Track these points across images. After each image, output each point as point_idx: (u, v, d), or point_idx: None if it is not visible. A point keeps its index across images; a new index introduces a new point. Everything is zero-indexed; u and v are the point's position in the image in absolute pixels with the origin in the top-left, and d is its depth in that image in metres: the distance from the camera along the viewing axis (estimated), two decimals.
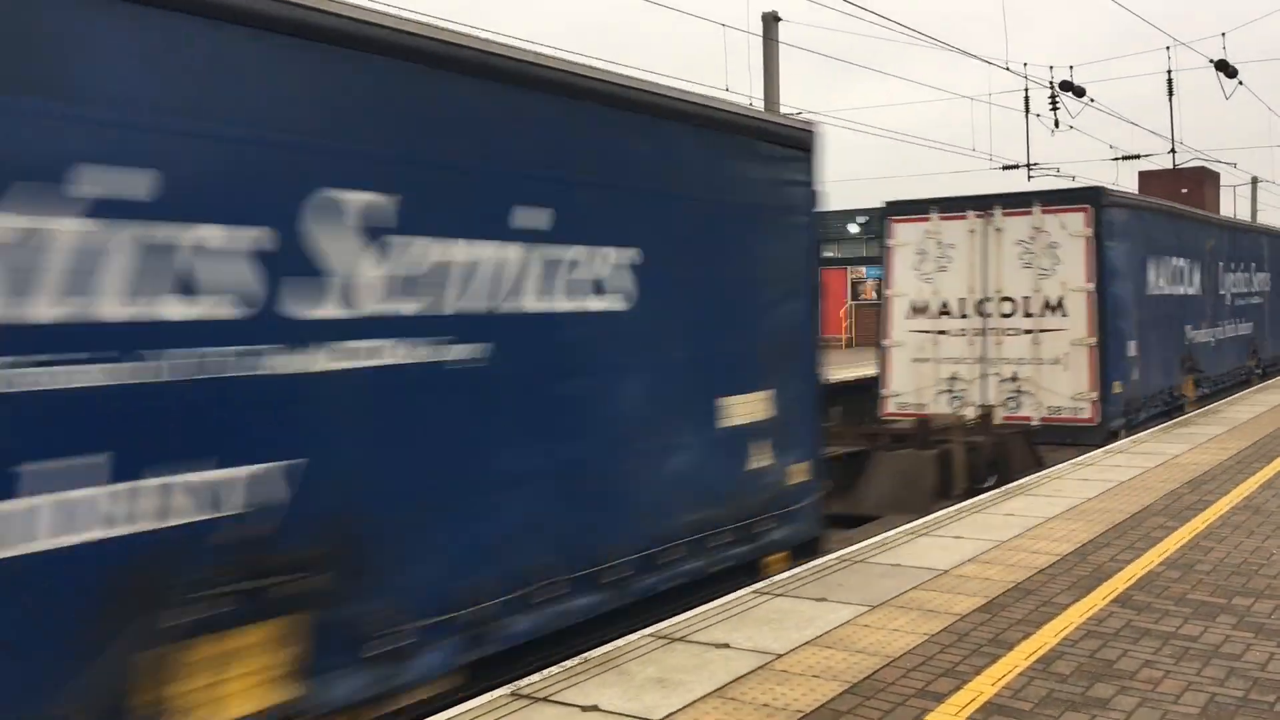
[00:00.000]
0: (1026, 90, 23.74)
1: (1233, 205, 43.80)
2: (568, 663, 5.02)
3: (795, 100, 44.28)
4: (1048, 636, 5.28)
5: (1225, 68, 23.46)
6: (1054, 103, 23.19)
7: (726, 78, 54.32)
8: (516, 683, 4.78)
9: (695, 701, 4.52)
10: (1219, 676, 4.69)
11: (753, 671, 4.87)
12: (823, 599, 6.03)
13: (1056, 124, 23.70)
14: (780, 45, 21.35)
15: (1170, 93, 25.16)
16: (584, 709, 4.46)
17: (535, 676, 4.85)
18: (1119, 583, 6.24)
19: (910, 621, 5.58)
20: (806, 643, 5.26)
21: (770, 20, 21.61)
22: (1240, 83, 23.89)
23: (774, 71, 22.88)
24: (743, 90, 33.13)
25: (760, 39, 21.69)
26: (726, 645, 5.24)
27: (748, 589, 6.33)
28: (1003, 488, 9.66)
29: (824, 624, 5.57)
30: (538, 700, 4.56)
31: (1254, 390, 18.30)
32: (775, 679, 4.77)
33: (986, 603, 5.90)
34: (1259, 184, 49.47)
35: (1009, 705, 4.41)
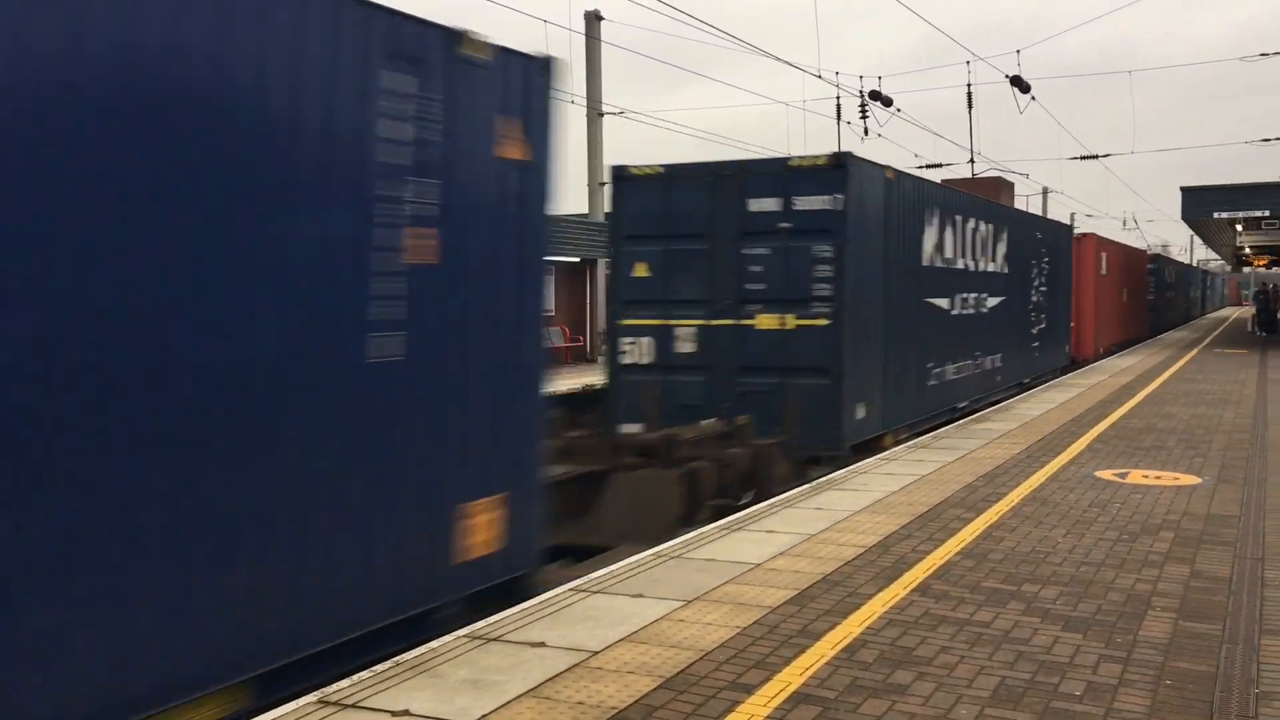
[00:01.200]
0: (839, 98, 24.63)
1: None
2: (378, 667, 4.89)
3: (623, 100, 44.74)
4: (853, 626, 5.47)
5: (1020, 83, 24.87)
6: (864, 111, 24.11)
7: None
8: (323, 690, 4.63)
9: (510, 702, 4.48)
10: (1009, 660, 4.95)
11: (568, 670, 4.86)
12: (639, 595, 6.08)
13: (866, 131, 24.66)
14: (606, 45, 21.44)
15: (970, 105, 26.52)
16: (394, 714, 4.35)
17: (344, 682, 4.70)
18: (919, 572, 6.52)
19: (723, 615, 5.68)
20: (622, 639, 5.29)
21: (592, 19, 21.67)
22: (1033, 98, 25.36)
23: (596, 69, 22.98)
24: (563, 88, 33.14)
25: (583, 37, 21.73)
26: (542, 644, 5.22)
27: (565, 586, 6.32)
28: (812, 482, 9.95)
29: (640, 620, 5.61)
30: (346, 707, 4.43)
31: (1044, 389, 19.45)
32: (590, 676, 4.77)
33: (796, 594, 6.06)
34: (1049, 194, 52.93)
35: (815, 694, 4.54)
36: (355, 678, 4.77)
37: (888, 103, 24.77)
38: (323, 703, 4.47)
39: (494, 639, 5.30)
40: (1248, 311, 72.53)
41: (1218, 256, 73.74)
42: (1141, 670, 4.79)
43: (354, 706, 4.43)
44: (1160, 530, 7.60)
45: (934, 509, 8.47)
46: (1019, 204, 38.25)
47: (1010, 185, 37.24)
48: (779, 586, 6.24)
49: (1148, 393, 17.92)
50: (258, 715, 4.43)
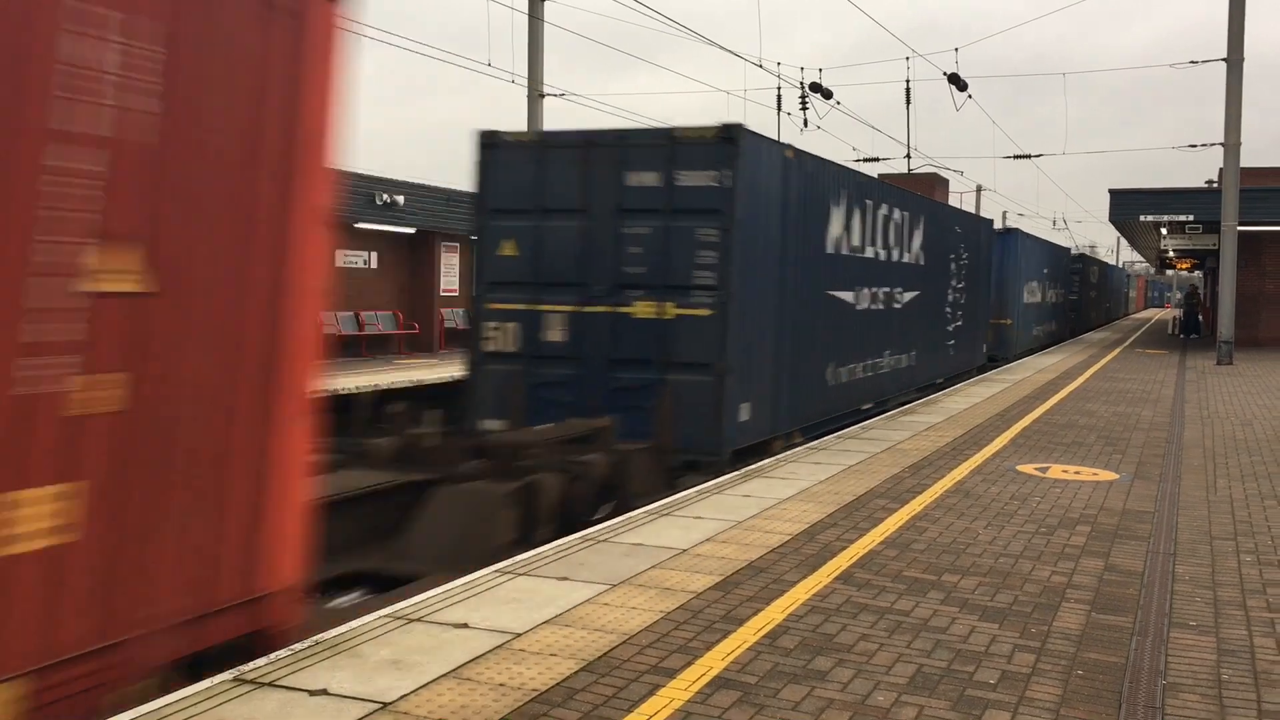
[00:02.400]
0: (779, 89, 24.72)
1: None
2: (296, 645, 4.83)
3: (566, 82, 44.52)
4: (776, 613, 5.51)
5: (957, 81, 25.17)
6: (804, 103, 24.22)
7: (490, 53, 53.73)
8: (240, 667, 4.56)
9: (430, 683, 4.44)
10: (926, 648, 5.02)
11: (491, 651, 4.84)
12: (565, 578, 6.07)
13: (805, 123, 24.77)
14: (551, 26, 21.27)
15: (908, 101, 26.78)
16: (312, 693, 4.30)
17: (260, 660, 4.64)
18: (843, 561, 6.59)
19: (648, 600, 5.70)
20: (546, 622, 5.28)
21: None
22: (970, 96, 25.68)
23: (538, 50, 22.81)
24: (505, 67, 32.71)
25: (526, 16, 21.54)
26: (465, 625, 5.19)
27: (489, 569, 6.29)
28: (740, 470, 10.00)
29: (564, 603, 5.60)
30: (263, 685, 4.36)
31: (970, 384, 19.77)
32: (513, 658, 4.75)
33: (721, 580, 6.10)
34: (982, 191, 53.67)
35: (736, 679, 4.57)
36: (273, 655, 4.70)
37: (828, 95, 24.93)
38: (239, 680, 4.40)
39: (417, 619, 5.26)
40: (1169, 314, 74.46)
41: (1143, 259, 75.51)
42: (1054, 660, 4.89)
43: (270, 685, 4.37)
44: (1077, 524, 7.77)
45: (860, 499, 8.57)
46: (954, 201, 38.81)
47: (945, 182, 37.74)
48: (705, 572, 6.27)
49: (1071, 390, 18.30)
50: (169, 694, 4.35)
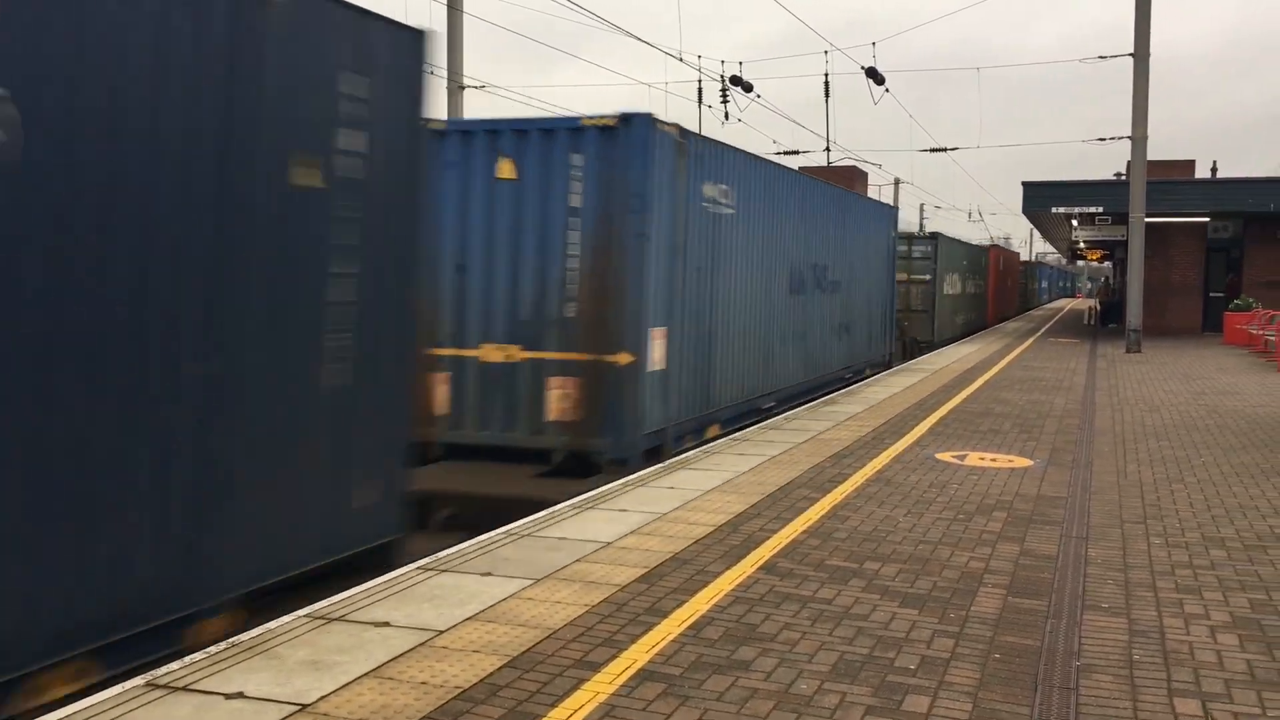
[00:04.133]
0: (700, 82, 24.78)
1: None
2: (212, 648, 4.72)
3: (493, 77, 44.11)
4: (700, 604, 5.53)
5: (874, 74, 25.48)
6: (724, 96, 24.33)
7: None
8: (153, 671, 4.44)
9: (350, 683, 4.37)
10: (849, 636, 5.07)
11: (413, 649, 4.77)
12: (488, 574, 6.02)
13: (727, 116, 24.89)
14: (476, 20, 21.06)
15: (827, 94, 27.05)
16: (228, 696, 4.20)
17: (175, 664, 4.52)
18: (766, 551, 6.63)
19: (573, 594, 5.67)
20: (469, 618, 5.23)
21: None
22: (887, 90, 26.01)
23: (458, 40, 22.57)
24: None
25: (444, 7, 21.31)
26: (387, 624, 5.11)
27: (412, 565, 6.21)
28: (664, 462, 10.00)
29: (488, 599, 5.55)
30: (177, 690, 4.25)
31: (890, 373, 20.05)
32: (435, 656, 4.70)
33: (646, 573, 6.10)
34: (900, 184, 54.44)
35: (660, 671, 4.57)
36: (188, 659, 4.59)
37: (748, 88, 25.07)
38: (151, 685, 4.28)
39: (336, 619, 5.17)
40: (1081, 304, 76.24)
41: (1055, 250, 77.33)
42: (973, 645, 4.97)
43: (185, 689, 4.26)
44: (994, 510, 7.92)
45: (783, 489, 8.63)
46: (872, 193, 39.34)
47: (865, 175, 38.24)
48: (629, 565, 6.26)
49: (987, 378, 18.66)
50: (79, 700, 4.22)
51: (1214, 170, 44.81)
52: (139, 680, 4.36)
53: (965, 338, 32.99)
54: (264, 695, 4.22)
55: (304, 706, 4.13)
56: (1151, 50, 24.14)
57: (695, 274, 12.12)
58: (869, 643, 4.98)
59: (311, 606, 5.38)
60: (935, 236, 31.84)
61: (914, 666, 4.68)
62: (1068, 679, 4.55)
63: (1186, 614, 5.48)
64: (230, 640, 4.84)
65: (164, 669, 4.47)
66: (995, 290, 45.81)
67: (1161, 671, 4.66)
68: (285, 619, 5.17)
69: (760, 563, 6.36)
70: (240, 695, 4.22)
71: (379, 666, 4.56)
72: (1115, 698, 4.35)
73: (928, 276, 30.50)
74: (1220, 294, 33.46)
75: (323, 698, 4.21)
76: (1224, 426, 12.72)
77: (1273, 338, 22.96)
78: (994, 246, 51.08)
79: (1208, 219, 32.35)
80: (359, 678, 4.43)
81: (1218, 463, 10.15)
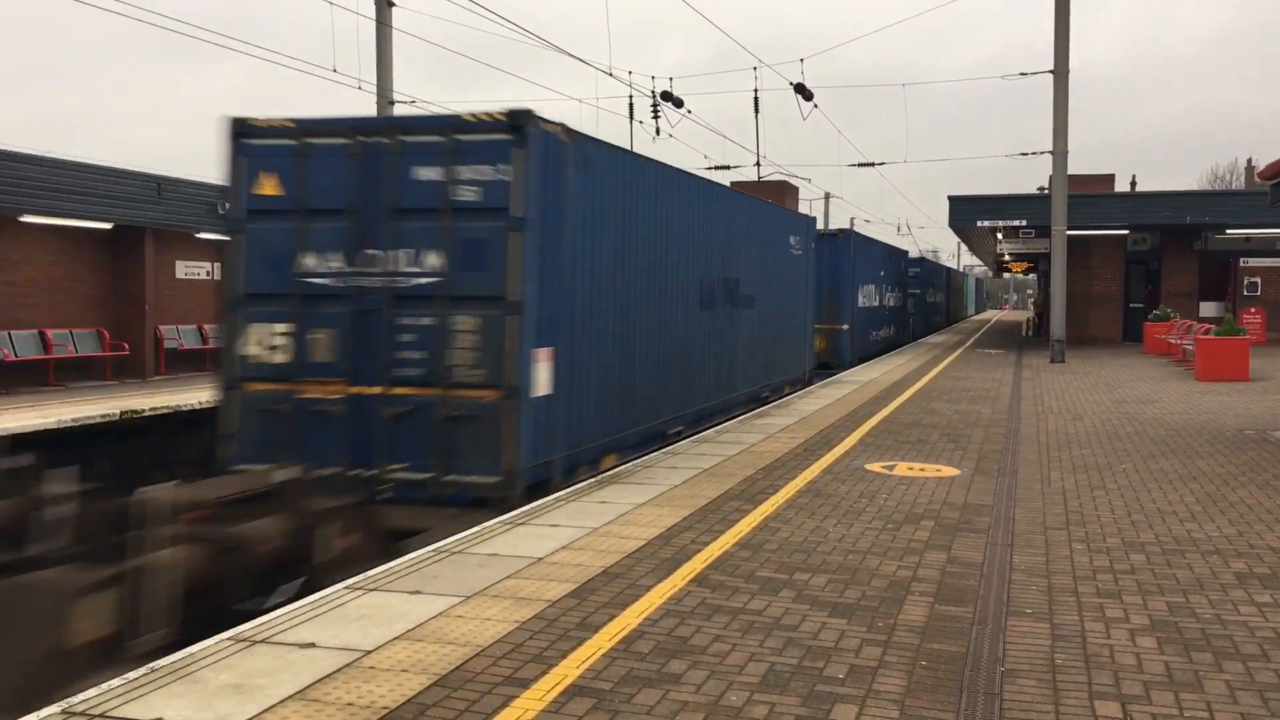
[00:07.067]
0: (631, 97, 24.88)
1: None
2: (131, 674, 4.61)
3: (418, 91, 43.80)
4: (631, 618, 5.52)
5: (803, 90, 25.77)
6: (655, 111, 24.46)
7: (334, 59, 52.44)
8: (69, 699, 4.32)
9: (274, 706, 4.29)
10: (778, 647, 5.10)
11: (339, 670, 4.70)
12: (416, 592, 5.96)
13: (658, 131, 25.01)
14: (409, 37, 20.78)
15: (756, 110, 27.32)
16: None
17: (92, 691, 4.40)
18: (698, 563, 6.65)
19: (503, 610, 5.63)
20: (397, 637, 5.17)
21: (384, 4, 21.13)
22: (815, 105, 26.33)
23: (387, 56, 22.43)
24: (352, 73, 32.11)
25: (373, 22, 21.17)
26: (313, 645, 5.03)
27: (340, 584, 6.12)
28: (595, 477, 9.97)
29: (416, 617, 5.49)
30: (94, 718, 4.14)
31: (821, 385, 20.25)
32: (362, 676, 4.63)
33: (577, 588, 6.07)
34: (830, 198, 55.29)
35: (591, 686, 4.55)
36: (105, 686, 4.47)
37: (679, 104, 25.23)
38: (67, 714, 4.17)
39: (260, 640, 5.08)
40: (1007, 315, 77.65)
41: (981, 263, 78.78)
42: (900, 652, 5.02)
43: (101, 717, 4.15)
44: (922, 519, 8.02)
45: (714, 501, 8.66)
46: (802, 207, 39.75)
47: (795, 189, 38.65)
48: (560, 580, 6.24)
49: (916, 389, 18.93)
50: None
51: (1133, 184, 45.94)
52: (54, 708, 4.24)
53: (885, 354, 30.70)
54: None
55: None
56: (1071, 67, 24.74)
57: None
58: (798, 653, 5.01)
59: (235, 629, 5.28)
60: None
61: (842, 675, 4.71)
62: (992, 684, 4.62)
63: (1107, 618, 5.60)
64: (149, 665, 4.73)
65: (80, 696, 4.36)
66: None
67: (1083, 675, 4.74)
68: (207, 642, 5.07)
69: (692, 575, 6.37)
70: None
71: (304, 689, 4.48)
72: (1038, 701, 4.42)
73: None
74: (1140, 305, 34.31)
75: None
76: (1144, 434, 13.03)
77: (1190, 347, 23.60)
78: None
79: (1127, 231, 33.18)
80: (283, 700, 4.35)
81: (1138, 469, 10.39)
